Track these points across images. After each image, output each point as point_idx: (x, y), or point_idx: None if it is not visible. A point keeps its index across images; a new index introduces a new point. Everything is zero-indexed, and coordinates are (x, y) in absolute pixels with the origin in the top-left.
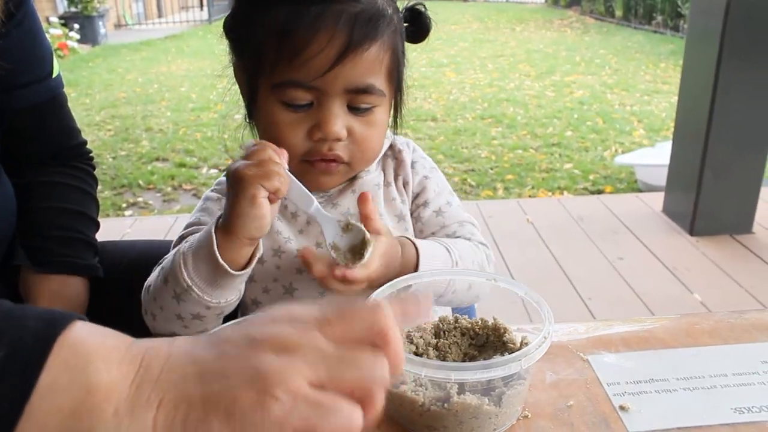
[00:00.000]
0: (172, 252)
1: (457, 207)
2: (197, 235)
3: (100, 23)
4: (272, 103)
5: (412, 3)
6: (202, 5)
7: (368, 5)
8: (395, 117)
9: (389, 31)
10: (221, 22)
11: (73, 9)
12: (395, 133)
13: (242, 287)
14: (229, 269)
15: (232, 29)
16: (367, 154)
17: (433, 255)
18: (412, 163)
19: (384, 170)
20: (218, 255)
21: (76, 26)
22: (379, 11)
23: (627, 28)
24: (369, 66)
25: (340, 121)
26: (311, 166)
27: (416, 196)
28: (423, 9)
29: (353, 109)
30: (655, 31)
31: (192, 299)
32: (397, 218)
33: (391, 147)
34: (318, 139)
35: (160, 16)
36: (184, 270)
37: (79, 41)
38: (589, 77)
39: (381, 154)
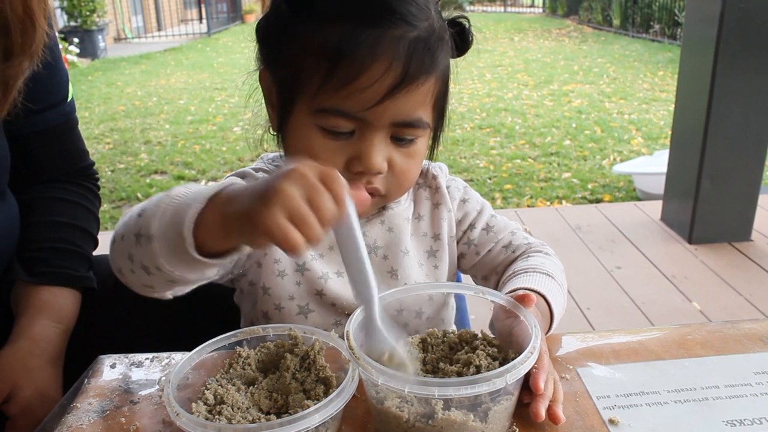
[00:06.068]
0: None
1: (500, 216)
2: (192, 192)
3: (100, 37)
4: (309, 126)
5: (454, 15)
6: (201, 18)
7: (424, 29)
8: (433, 146)
9: (445, 58)
10: (220, 35)
11: (72, 23)
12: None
13: (212, 273)
14: (198, 256)
15: (267, 36)
16: (405, 185)
17: (551, 291)
18: (447, 188)
19: (416, 201)
20: (189, 245)
21: (76, 40)
22: (436, 35)
23: (625, 36)
24: (421, 99)
25: (381, 155)
26: None
27: (459, 222)
28: (467, 24)
29: (396, 140)
30: (653, 40)
31: (150, 251)
32: (427, 254)
33: (423, 174)
34: (357, 171)
35: (159, 29)
36: (154, 221)
37: (79, 55)
38: (587, 86)
39: None
